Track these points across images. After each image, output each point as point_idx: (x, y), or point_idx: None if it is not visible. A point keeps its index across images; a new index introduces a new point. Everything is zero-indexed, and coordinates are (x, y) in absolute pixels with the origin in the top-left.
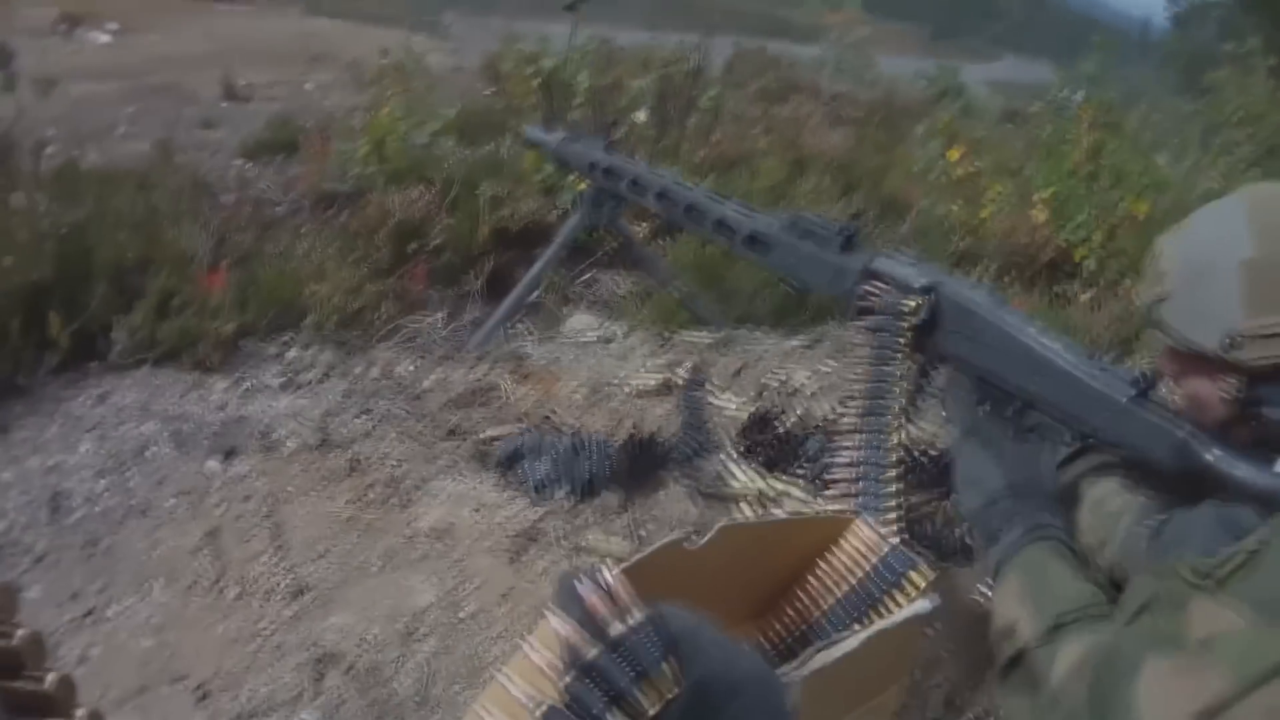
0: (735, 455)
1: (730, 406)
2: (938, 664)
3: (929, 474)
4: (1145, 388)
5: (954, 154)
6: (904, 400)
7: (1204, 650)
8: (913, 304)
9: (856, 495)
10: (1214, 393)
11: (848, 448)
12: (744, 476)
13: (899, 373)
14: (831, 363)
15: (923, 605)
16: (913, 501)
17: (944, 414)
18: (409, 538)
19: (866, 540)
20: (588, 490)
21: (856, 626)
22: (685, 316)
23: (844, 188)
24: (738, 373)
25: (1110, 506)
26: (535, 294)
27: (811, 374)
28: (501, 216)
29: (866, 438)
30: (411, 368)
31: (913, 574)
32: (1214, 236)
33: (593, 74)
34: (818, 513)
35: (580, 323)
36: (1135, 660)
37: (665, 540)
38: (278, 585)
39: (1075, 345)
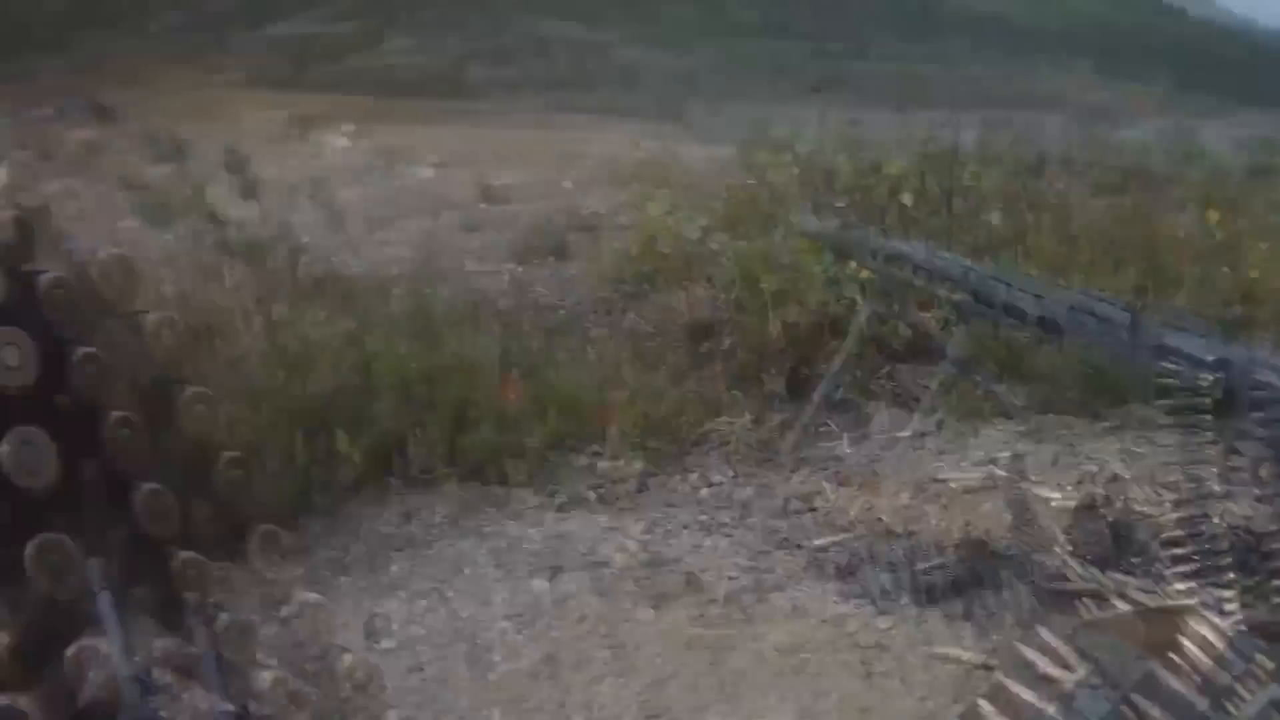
0: (1068, 550)
1: (1055, 497)
2: None
3: (1252, 557)
4: None
5: (1213, 216)
6: (1219, 481)
7: None
8: (1208, 380)
9: (1191, 583)
10: None
11: (1175, 536)
12: (1082, 573)
13: (1208, 451)
14: (1143, 446)
15: (1275, 692)
16: (1242, 585)
17: (1257, 493)
18: (758, 655)
19: (1207, 629)
20: (931, 596)
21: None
22: (992, 406)
23: (1115, 261)
24: (1054, 461)
25: None
26: (838, 391)
27: (1125, 456)
28: (788, 311)
29: (1190, 523)
30: (729, 474)
31: (1259, 659)
32: None
33: (849, 157)
34: (1157, 605)
35: (888, 419)
36: None
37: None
38: (626, 711)
39: None
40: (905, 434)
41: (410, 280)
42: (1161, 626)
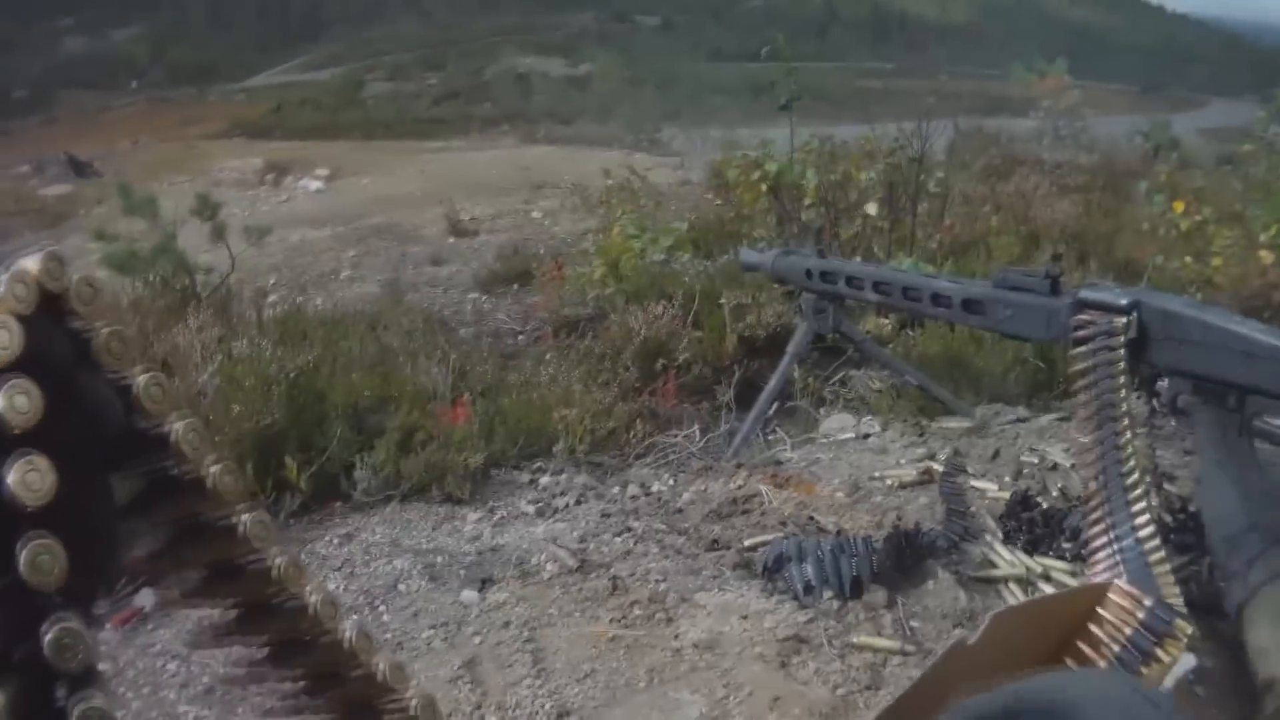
0: (999, 538)
1: (991, 489)
2: None
3: (1187, 535)
4: None
5: (1179, 206)
6: (1141, 447)
7: None
8: (1122, 322)
9: (1115, 555)
10: None
11: (1094, 507)
12: (1009, 559)
13: (1125, 406)
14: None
15: (1187, 661)
16: (1174, 564)
17: (1187, 445)
18: (675, 652)
19: (1126, 602)
20: (854, 589)
21: None
22: (941, 406)
23: (1078, 256)
24: (995, 455)
25: None
26: (780, 402)
27: (1068, 447)
28: (747, 325)
29: (1109, 489)
30: (670, 483)
31: (1174, 629)
32: None
33: (819, 171)
34: (1078, 584)
35: (837, 423)
36: None
37: (949, 645)
38: (540, 709)
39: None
40: (849, 436)
41: (369, 316)
42: (1082, 604)
